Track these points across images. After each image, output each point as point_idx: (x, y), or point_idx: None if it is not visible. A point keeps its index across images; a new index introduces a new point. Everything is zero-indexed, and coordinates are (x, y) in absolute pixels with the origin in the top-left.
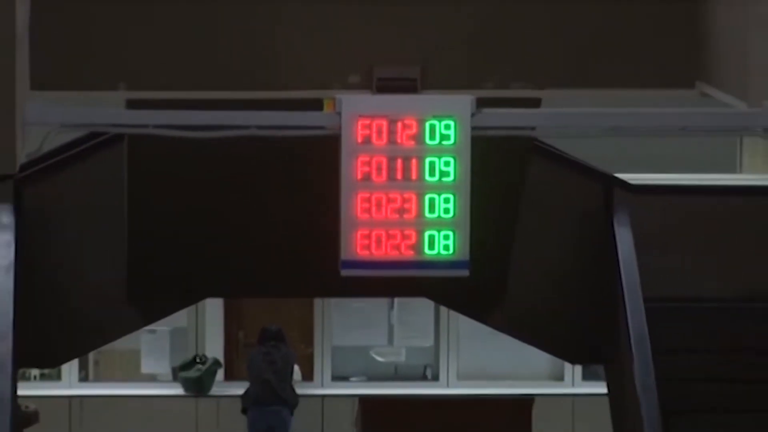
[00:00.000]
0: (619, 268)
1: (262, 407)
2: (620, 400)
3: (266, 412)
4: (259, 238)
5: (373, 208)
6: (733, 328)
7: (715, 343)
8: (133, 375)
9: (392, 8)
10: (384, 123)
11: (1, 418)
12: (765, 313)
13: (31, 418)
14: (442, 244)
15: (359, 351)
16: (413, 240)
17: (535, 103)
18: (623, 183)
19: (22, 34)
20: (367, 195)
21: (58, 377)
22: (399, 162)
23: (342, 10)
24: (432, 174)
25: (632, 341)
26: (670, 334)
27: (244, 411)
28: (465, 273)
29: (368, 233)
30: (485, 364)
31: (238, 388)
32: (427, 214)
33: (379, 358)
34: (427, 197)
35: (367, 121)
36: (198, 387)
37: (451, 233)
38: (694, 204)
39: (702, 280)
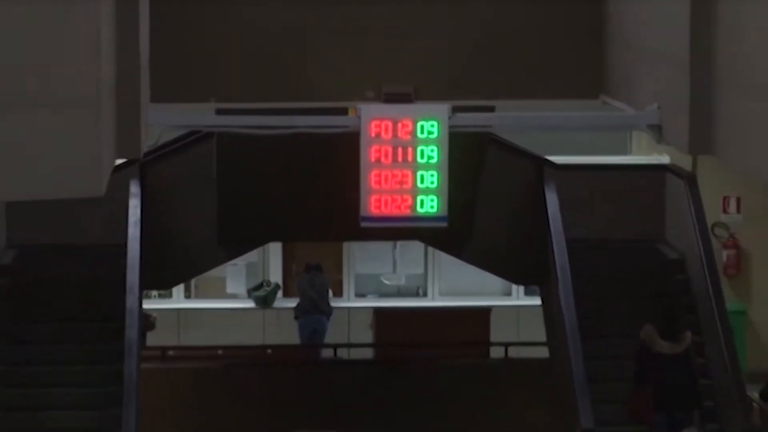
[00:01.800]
0: (548, 219)
1: (308, 316)
2: (550, 310)
3: (311, 319)
4: (305, 201)
5: (382, 181)
6: (624, 260)
7: (613, 271)
8: (221, 294)
9: (394, 46)
10: (389, 123)
11: (133, 323)
12: (644, 249)
13: (152, 324)
14: (429, 205)
15: (373, 277)
16: (409, 202)
17: (491, 109)
18: (551, 162)
19: (145, 63)
20: (378, 172)
21: (170, 296)
22: (399, 150)
23: (361, 48)
24: (422, 157)
25: (558, 270)
26: (583, 265)
27: (296, 318)
28: (444, 224)
29: (379, 198)
30: (458, 285)
31: (292, 303)
32: (419, 185)
33: (387, 282)
34: (419, 173)
35: (378, 122)
36: (264, 302)
37: (435, 197)
38: (599, 176)
39: (604, 227)
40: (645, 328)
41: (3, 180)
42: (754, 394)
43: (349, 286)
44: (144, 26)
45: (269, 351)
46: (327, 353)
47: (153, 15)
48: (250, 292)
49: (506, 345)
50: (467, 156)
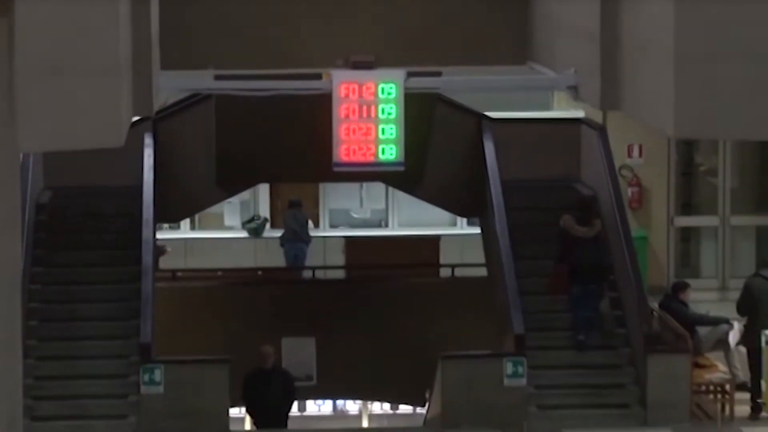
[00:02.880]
0: (486, 163)
1: (291, 243)
2: (488, 237)
3: (293, 246)
4: (287, 150)
5: (351, 133)
6: (545, 195)
7: (538, 205)
8: (219, 226)
9: (360, 23)
10: (356, 86)
11: (148, 250)
12: (563, 187)
13: (164, 250)
14: (389, 153)
15: (344, 212)
16: (373, 150)
17: (438, 73)
18: (487, 117)
19: (155, 37)
20: (347, 126)
21: (178, 227)
22: (364, 107)
23: (333, 24)
24: (383, 114)
25: (494, 204)
26: (514, 200)
27: (281, 245)
28: (401, 168)
29: (348, 147)
30: (413, 217)
31: (278, 233)
32: (380, 136)
33: (355, 215)
34: (380, 127)
35: (347, 85)
36: (255, 233)
37: (394, 147)
38: (527, 128)
39: (531, 169)
40: (564, 217)
41: (42, 133)
42: (654, 304)
43: (324, 218)
44: (154, 7)
45: (260, 272)
46: (307, 274)
47: None
48: (244, 225)
49: (453, 266)
50: (420, 112)
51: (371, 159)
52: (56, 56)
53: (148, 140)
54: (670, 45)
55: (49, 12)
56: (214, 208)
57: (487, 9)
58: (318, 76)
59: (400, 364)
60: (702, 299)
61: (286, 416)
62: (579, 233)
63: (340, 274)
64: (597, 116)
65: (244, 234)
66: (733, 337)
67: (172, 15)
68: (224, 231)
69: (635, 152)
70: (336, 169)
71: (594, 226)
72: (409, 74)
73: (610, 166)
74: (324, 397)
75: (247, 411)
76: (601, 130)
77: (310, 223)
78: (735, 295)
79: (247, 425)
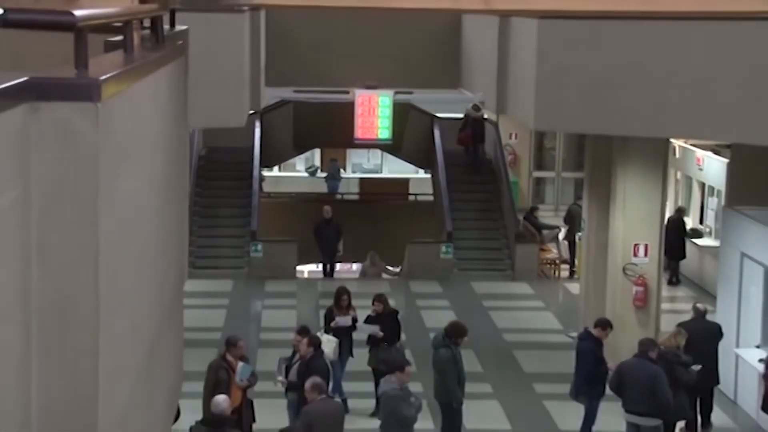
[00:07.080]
0: (434, 141)
1: (331, 181)
2: (434, 179)
3: (332, 182)
4: (331, 130)
5: (364, 122)
6: (465, 158)
7: (457, 162)
8: (293, 170)
9: (371, 62)
10: (368, 97)
11: (255, 182)
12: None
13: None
14: (384, 134)
15: (359, 164)
16: (375, 133)
17: (410, 92)
18: (437, 116)
19: (262, 65)
20: (362, 119)
21: (272, 170)
22: (371, 109)
23: (356, 62)
24: (381, 113)
25: (438, 161)
26: (449, 160)
27: (325, 181)
28: (390, 142)
29: (362, 130)
30: (396, 168)
31: (324, 175)
32: (379, 125)
33: (366, 166)
34: (379, 120)
35: (362, 97)
36: (312, 174)
37: (387, 130)
38: (456, 122)
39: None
40: (467, 107)
41: (201, 117)
42: (520, 217)
43: (348, 167)
44: (262, 46)
45: (313, 196)
46: (339, 197)
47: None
48: (306, 170)
49: (416, 195)
50: (400, 113)
51: (374, 137)
52: (210, 74)
53: (257, 123)
54: (532, 77)
55: (206, 50)
56: (291, 160)
57: (438, 58)
58: (347, 92)
59: (387, 245)
60: (545, 215)
61: (337, 248)
62: (474, 115)
63: (356, 197)
64: (494, 117)
65: (306, 175)
66: (561, 235)
67: (269, 52)
68: (296, 172)
69: (513, 137)
70: (356, 141)
71: (481, 113)
72: (396, 92)
73: (499, 144)
74: (347, 261)
75: (316, 241)
76: (496, 125)
77: (341, 170)
78: (562, 213)
79: (306, 274)
